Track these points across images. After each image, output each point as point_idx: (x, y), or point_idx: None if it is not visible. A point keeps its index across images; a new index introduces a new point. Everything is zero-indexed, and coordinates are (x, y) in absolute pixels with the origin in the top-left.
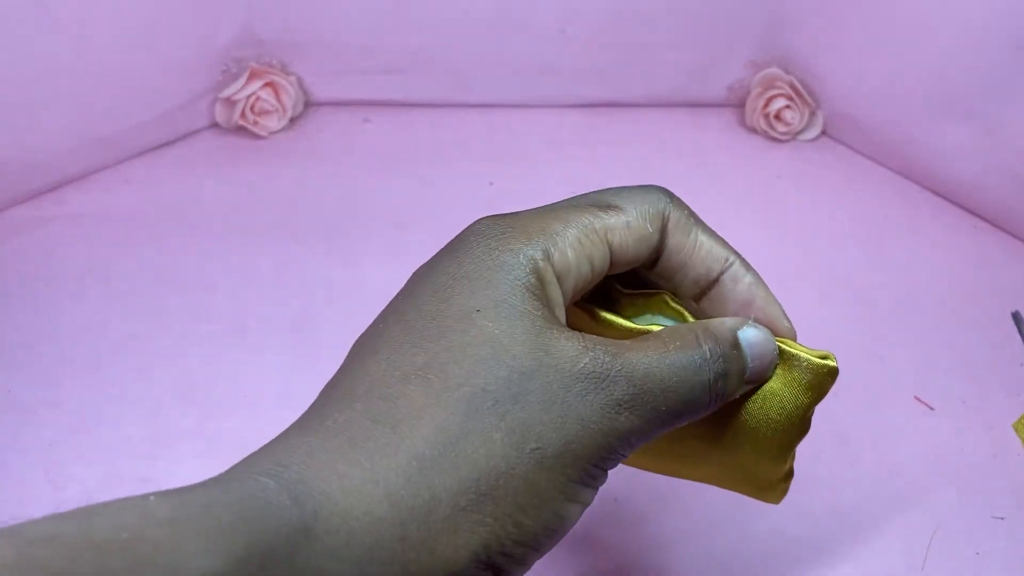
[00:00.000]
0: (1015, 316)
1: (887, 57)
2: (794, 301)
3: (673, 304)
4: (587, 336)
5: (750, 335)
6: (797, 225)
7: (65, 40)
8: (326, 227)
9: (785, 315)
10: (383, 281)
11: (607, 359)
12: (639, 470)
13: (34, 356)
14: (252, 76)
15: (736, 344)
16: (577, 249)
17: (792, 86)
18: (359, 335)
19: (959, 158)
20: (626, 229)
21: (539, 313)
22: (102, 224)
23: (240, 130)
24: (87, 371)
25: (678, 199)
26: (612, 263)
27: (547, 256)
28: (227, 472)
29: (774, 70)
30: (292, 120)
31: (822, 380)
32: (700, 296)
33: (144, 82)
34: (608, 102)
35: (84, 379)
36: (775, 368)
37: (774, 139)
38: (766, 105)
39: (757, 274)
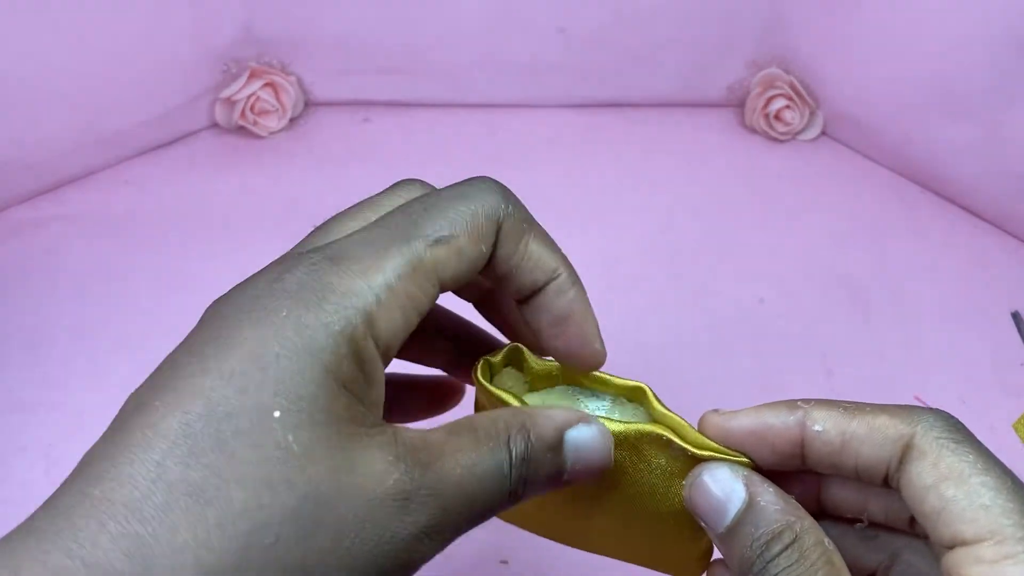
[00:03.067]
0: (1015, 316)
1: (887, 57)
2: (794, 301)
3: (596, 374)
4: (399, 438)
5: (579, 435)
6: (797, 225)
7: (65, 40)
8: None
9: (599, 336)
10: None
11: (416, 474)
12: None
13: (34, 356)
14: (252, 76)
15: (556, 446)
16: (405, 305)
17: (792, 86)
18: (139, 385)
19: (959, 158)
20: (458, 258)
21: (348, 414)
22: (102, 224)
23: (240, 130)
24: (87, 371)
25: (514, 198)
26: (440, 295)
27: (369, 324)
28: None
29: (774, 70)
30: (292, 120)
31: None
32: (521, 302)
33: (144, 82)
34: (608, 102)
35: (84, 379)
36: (606, 466)
37: (774, 139)
38: (766, 105)
39: (582, 288)
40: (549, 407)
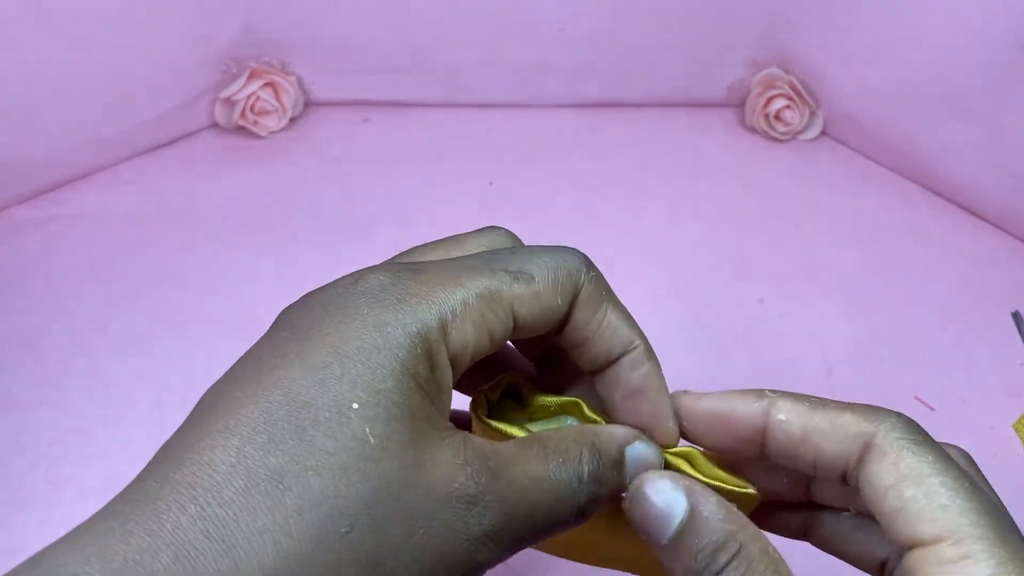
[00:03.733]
0: (1015, 316)
1: (887, 57)
2: (794, 301)
3: (588, 412)
4: (469, 444)
5: (638, 452)
6: (797, 225)
7: (65, 40)
8: (326, 227)
9: (672, 415)
10: None
11: (484, 480)
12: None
13: (34, 356)
14: (252, 76)
15: (619, 464)
16: (478, 323)
17: (792, 86)
18: (217, 380)
19: (959, 158)
20: (534, 300)
21: (422, 413)
22: (102, 224)
23: (240, 130)
24: (87, 371)
25: (594, 268)
26: (514, 332)
27: (443, 332)
28: (32, 564)
29: (774, 70)
30: (292, 120)
31: (744, 507)
32: (595, 373)
33: (144, 82)
34: (608, 102)
35: (84, 379)
36: None
37: (774, 139)
38: (766, 105)
39: (657, 364)
40: (608, 425)
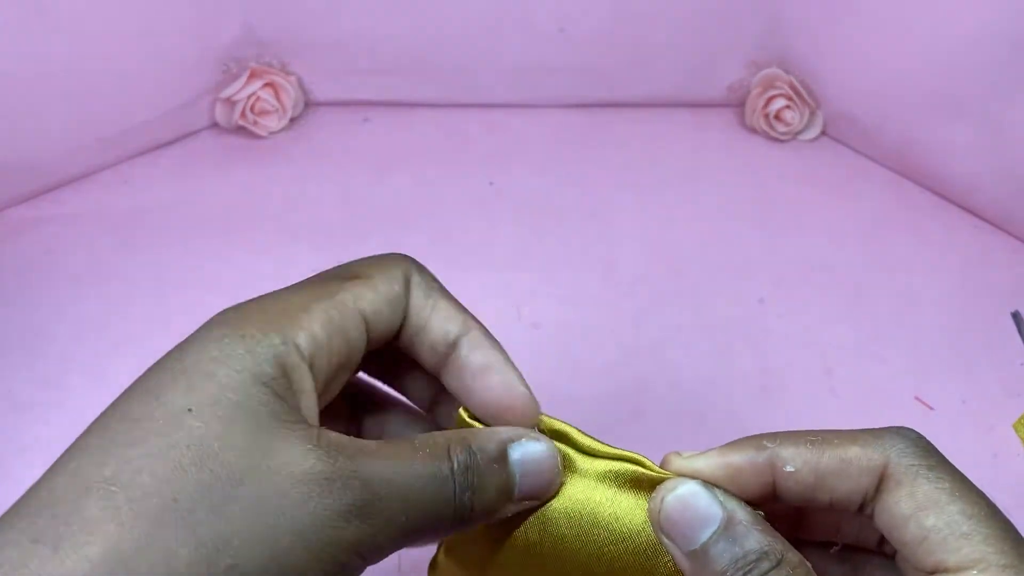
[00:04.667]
0: (1015, 316)
1: (887, 57)
2: (794, 301)
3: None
4: (324, 435)
5: (525, 449)
6: (797, 225)
7: (65, 40)
8: (326, 227)
9: (524, 382)
10: None
11: (339, 462)
12: None
13: (34, 356)
14: (252, 76)
15: (500, 458)
16: (326, 324)
17: (792, 86)
18: None
19: (959, 158)
20: (375, 293)
21: (267, 408)
22: (102, 224)
23: (240, 130)
24: (87, 371)
25: (420, 265)
26: (369, 333)
27: (289, 339)
28: None
29: (774, 70)
30: (292, 120)
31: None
32: (440, 366)
33: (144, 82)
34: (608, 102)
35: (84, 379)
36: (554, 480)
37: (774, 139)
38: (766, 105)
39: (497, 343)
40: (494, 428)
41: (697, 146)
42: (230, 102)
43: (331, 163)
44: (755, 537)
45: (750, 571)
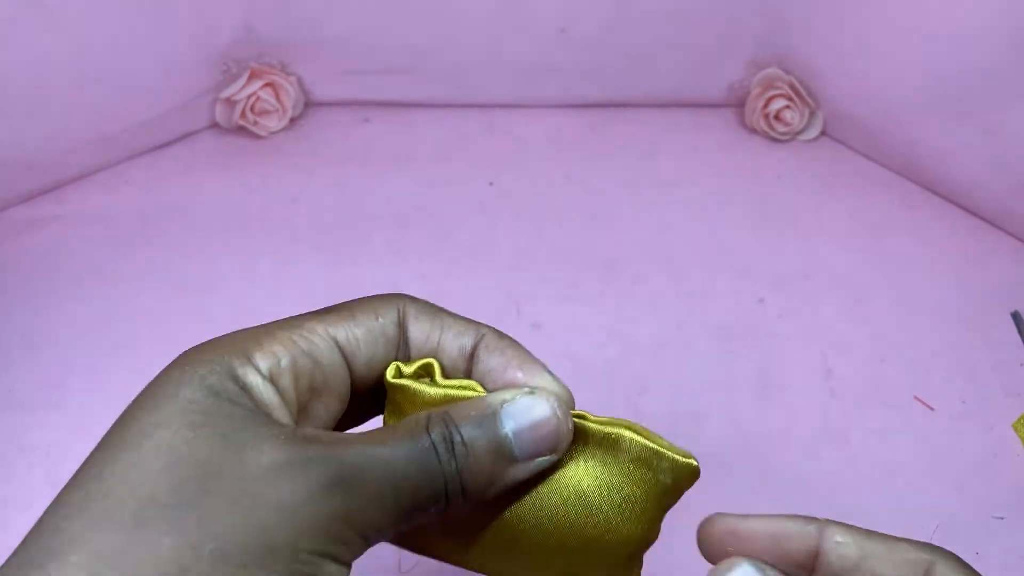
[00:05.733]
0: (1015, 316)
1: (887, 57)
2: (794, 301)
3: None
4: (300, 428)
5: (515, 407)
6: (797, 225)
7: (65, 40)
8: (326, 227)
9: (548, 370)
10: (383, 281)
11: (317, 447)
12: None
13: (34, 356)
14: (252, 76)
15: (486, 421)
16: (290, 347)
17: (792, 86)
18: None
19: (959, 158)
20: (351, 323)
21: (238, 413)
22: (102, 224)
23: (240, 130)
24: (87, 371)
25: (414, 298)
26: (349, 361)
27: (248, 359)
28: None
29: (774, 70)
30: (292, 120)
31: (682, 481)
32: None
33: (144, 82)
34: (608, 102)
35: (84, 379)
36: (566, 436)
37: (774, 139)
38: (766, 105)
39: (513, 340)
40: (480, 396)
41: (697, 146)
42: (230, 102)
43: (331, 163)
44: None
45: None
